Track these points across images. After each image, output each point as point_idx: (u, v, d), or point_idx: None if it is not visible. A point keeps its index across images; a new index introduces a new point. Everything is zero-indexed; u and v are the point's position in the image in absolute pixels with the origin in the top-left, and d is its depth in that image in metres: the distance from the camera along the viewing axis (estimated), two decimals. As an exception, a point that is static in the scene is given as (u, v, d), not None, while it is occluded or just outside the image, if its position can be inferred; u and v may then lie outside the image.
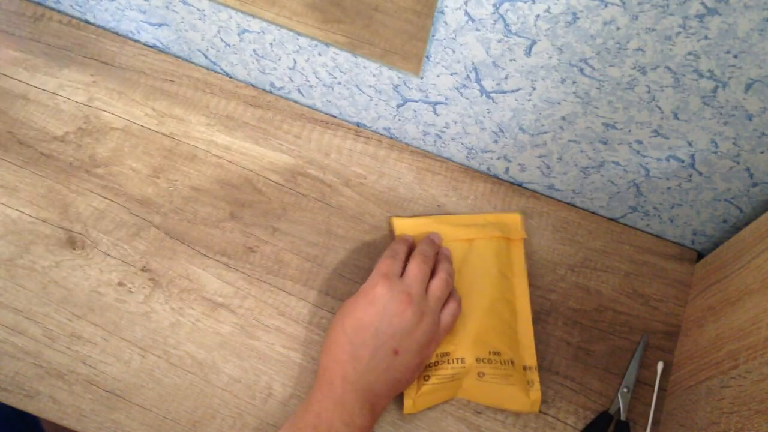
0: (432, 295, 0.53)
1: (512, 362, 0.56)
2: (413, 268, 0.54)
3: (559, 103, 0.54)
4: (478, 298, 0.58)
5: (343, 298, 0.60)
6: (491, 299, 0.58)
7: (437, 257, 0.57)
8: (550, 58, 0.49)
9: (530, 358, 0.58)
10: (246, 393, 0.56)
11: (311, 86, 0.66)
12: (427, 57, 0.55)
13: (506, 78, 0.53)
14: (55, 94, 0.68)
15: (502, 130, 0.60)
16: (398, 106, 0.63)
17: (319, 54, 0.60)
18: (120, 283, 0.59)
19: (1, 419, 0.73)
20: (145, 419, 0.54)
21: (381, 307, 0.51)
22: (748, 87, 0.45)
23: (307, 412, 0.49)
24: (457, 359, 0.55)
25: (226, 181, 0.65)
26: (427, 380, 0.55)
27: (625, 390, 0.57)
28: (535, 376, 0.57)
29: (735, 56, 0.43)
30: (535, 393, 0.56)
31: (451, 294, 0.56)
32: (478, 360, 0.55)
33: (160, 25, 0.67)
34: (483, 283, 0.59)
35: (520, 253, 0.62)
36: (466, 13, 0.49)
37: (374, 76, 0.60)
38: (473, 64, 0.53)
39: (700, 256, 0.64)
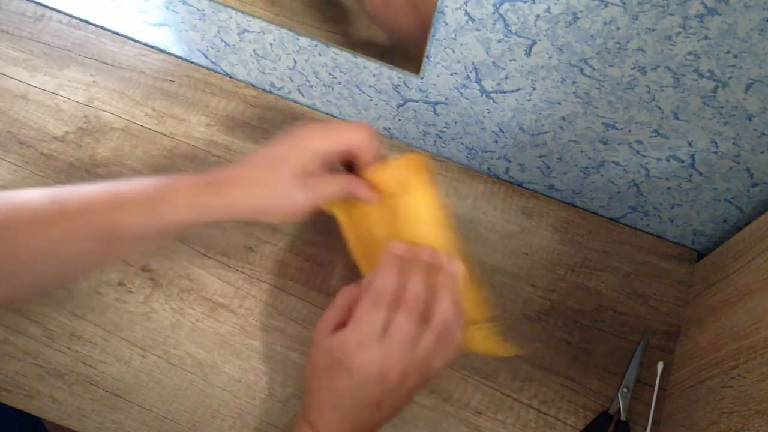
0: (421, 352, 0.46)
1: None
2: (400, 328, 0.46)
3: (559, 103, 0.54)
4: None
5: (343, 298, 0.60)
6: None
7: (436, 286, 0.48)
8: (550, 58, 0.49)
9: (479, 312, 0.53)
10: (246, 393, 0.56)
11: (311, 86, 0.66)
12: (427, 57, 0.55)
13: (506, 78, 0.53)
14: (55, 94, 0.68)
15: (502, 130, 0.60)
16: (398, 106, 0.63)
17: (319, 54, 0.60)
18: (120, 283, 0.59)
19: (5, 419, 0.73)
20: (145, 419, 0.54)
21: (359, 377, 0.45)
22: (748, 87, 0.45)
23: None
24: None
25: (226, 181, 0.65)
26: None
27: (625, 390, 0.57)
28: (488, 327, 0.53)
29: (735, 56, 0.43)
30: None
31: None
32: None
33: (160, 25, 0.67)
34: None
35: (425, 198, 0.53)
36: (466, 13, 0.49)
37: (374, 76, 0.60)
38: (473, 64, 0.53)
39: (700, 256, 0.64)
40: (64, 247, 0.45)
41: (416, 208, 0.53)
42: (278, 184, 0.49)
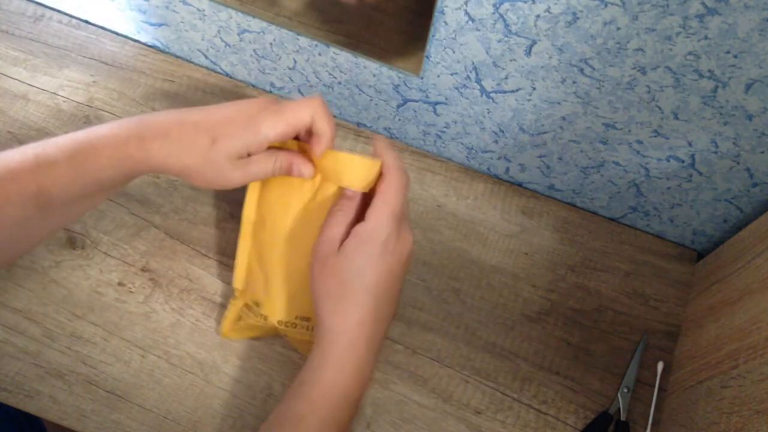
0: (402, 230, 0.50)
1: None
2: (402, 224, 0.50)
3: (559, 103, 0.54)
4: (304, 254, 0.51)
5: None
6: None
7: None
8: (550, 58, 0.49)
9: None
10: (246, 393, 0.56)
11: (311, 86, 0.66)
12: (427, 57, 0.55)
13: (506, 78, 0.53)
14: (55, 94, 0.68)
15: (502, 130, 0.60)
16: (398, 106, 0.63)
17: (319, 54, 0.60)
18: (120, 283, 0.59)
19: (6, 419, 0.73)
20: (146, 419, 0.54)
21: (388, 261, 0.48)
22: (748, 87, 0.45)
23: (317, 383, 0.47)
24: (262, 315, 0.53)
25: (226, 181, 0.65)
26: (239, 320, 0.55)
27: (625, 390, 0.57)
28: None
29: (735, 56, 0.43)
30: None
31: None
32: (279, 323, 0.53)
33: (160, 25, 0.67)
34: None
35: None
36: (466, 13, 0.49)
37: (374, 76, 0.60)
38: (473, 64, 0.53)
39: (700, 256, 0.64)
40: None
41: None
42: (212, 157, 0.46)
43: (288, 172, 0.50)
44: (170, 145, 0.46)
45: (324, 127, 0.48)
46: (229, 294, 0.59)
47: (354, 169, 0.49)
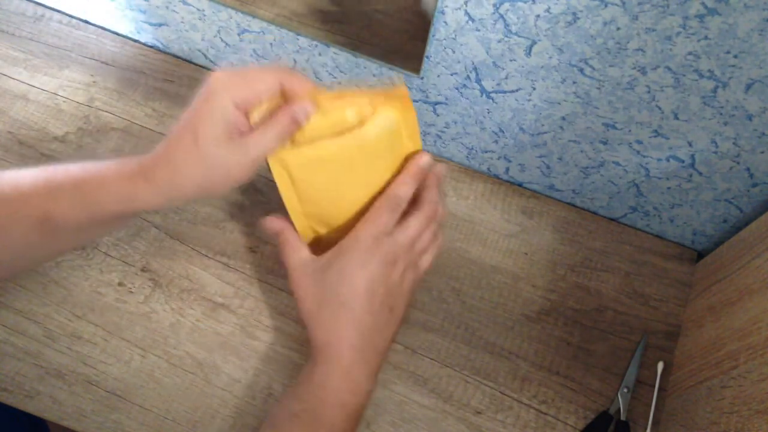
0: (418, 248, 0.50)
1: None
2: (414, 229, 0.49)
3: (559, 103, 0.54)
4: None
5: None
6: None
7: (425, 188, 0.50)
8: (550, 58, 0.49)
9: None
10: (246, 393, 0.56)
11: (311, 86, 0.66)
12: (427, 57, 0.55)
13: (506, 78, 0.53)
14: (55, 94, 0.68)
15: (502, 130, 0.60)
16: (398, 106, 0.63)
17: (319, 54, 0.60)
18: (120, 284, 0.59)
19: (8, 419, 0.73)
20: (146, 419, 0.54)
21: (374, 268, 0.47)
22: (748, 87, 0.45)
23: (309, 383, 0.48)
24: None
25: (226, 181, 0.65)
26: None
27: (625, 390, 0.57)
28: None
29: (735, 56, 0.43)
30: None
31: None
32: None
33: (160, 25, 0.67)
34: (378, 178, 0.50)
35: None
36: (466, 13, 0.49)
37: (374, 76, 0.60)
38: (473, 64, 0.53)
39: (700, 256, 0.64)
40: (4, 236, 0.44)
41: (392, 137, 0.47)
42: (204, 152, 0.43)
43: (292, 126, 0.45)
44: (169, 171, 0.44)
45: (298, 84, 0.45)
46: (229, 294, 0.59)
47: (354, 95, 0.46)
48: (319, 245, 0.52)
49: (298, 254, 0.50)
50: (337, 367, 0.47)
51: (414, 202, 0.50)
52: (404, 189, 0.49)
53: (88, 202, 0.44)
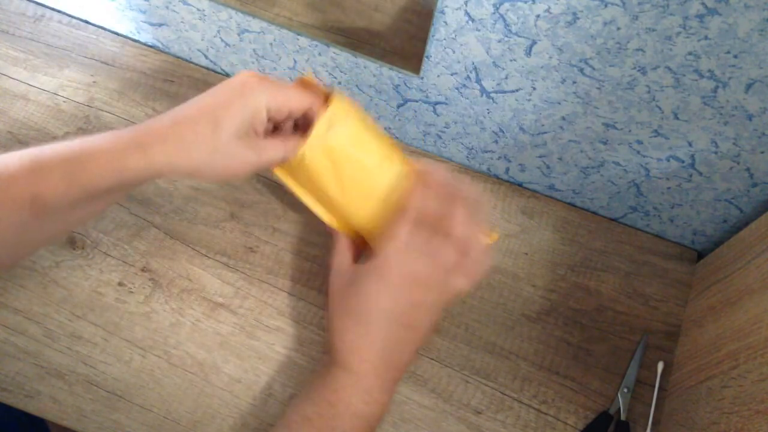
0: (448, 269, 0.48)
1: None
2: (443, 254, 0.47)
3: (559, 103, 0.54)
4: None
5: (343, 298, 0.60)
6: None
7: (456, 207, 0.48)
8: (551, 58, 0.49)
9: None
10: (246, 393, 0.56)
11: (311, 86, 0.66)
12: (427, 57, 0.55)
13: (506, 78, 0.53)
14: (55, 94, 0.68)
15: (502, 130, 0.60)
16: (398, 106, 0.63)
17: (319, 54, 0.60)
18: (120, 283, 0.59)
19: (8, 419, 0.73)
20: (146, 419, 0.54)
21: (393, 288, 0.47)
22: (748, 87, 0.45)
23: (323, 388, 0.47)
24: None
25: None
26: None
27: (625, 390, 0.57)
28: None
29: (735, 56, 0.43)
30: None
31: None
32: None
33: (160, 25, 0.67)
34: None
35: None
36: (466, 13, 0.49)
37: (374, 76, 0.60)
38: (473, 64, 0.53)
39: (700, 256, 0.64)
40: None
41: (354, 152, 0.49)
42: (219, 142, 0.44)
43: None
44: (172, 147, 0.44)
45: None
46: (229, 294, 0.59)
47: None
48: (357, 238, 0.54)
49: (340, 257, 0.52)
50: (351, 376, 0.48)
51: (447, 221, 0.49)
52: (423, 203, 0.49)
53: (77, 176, 0.43)
